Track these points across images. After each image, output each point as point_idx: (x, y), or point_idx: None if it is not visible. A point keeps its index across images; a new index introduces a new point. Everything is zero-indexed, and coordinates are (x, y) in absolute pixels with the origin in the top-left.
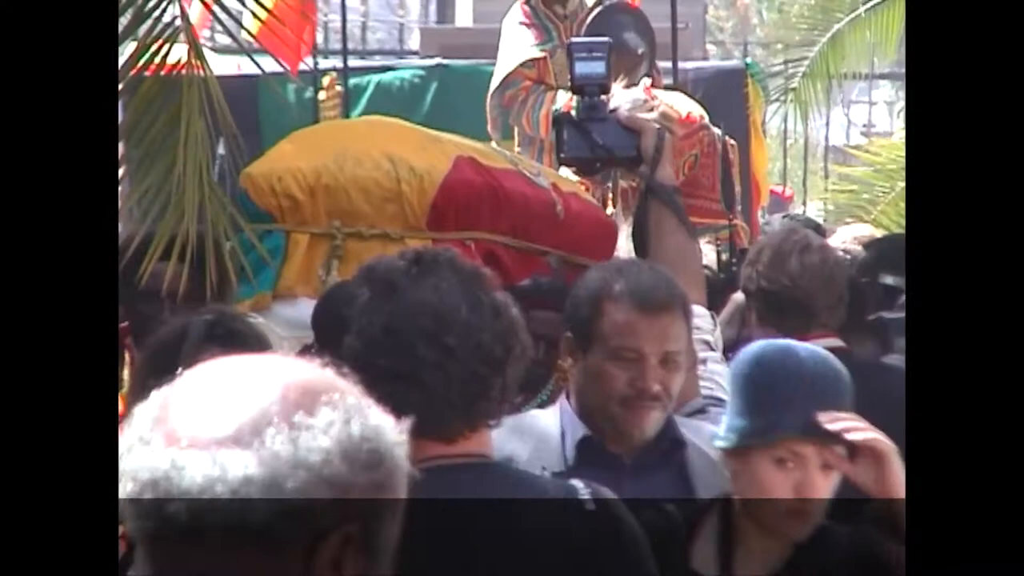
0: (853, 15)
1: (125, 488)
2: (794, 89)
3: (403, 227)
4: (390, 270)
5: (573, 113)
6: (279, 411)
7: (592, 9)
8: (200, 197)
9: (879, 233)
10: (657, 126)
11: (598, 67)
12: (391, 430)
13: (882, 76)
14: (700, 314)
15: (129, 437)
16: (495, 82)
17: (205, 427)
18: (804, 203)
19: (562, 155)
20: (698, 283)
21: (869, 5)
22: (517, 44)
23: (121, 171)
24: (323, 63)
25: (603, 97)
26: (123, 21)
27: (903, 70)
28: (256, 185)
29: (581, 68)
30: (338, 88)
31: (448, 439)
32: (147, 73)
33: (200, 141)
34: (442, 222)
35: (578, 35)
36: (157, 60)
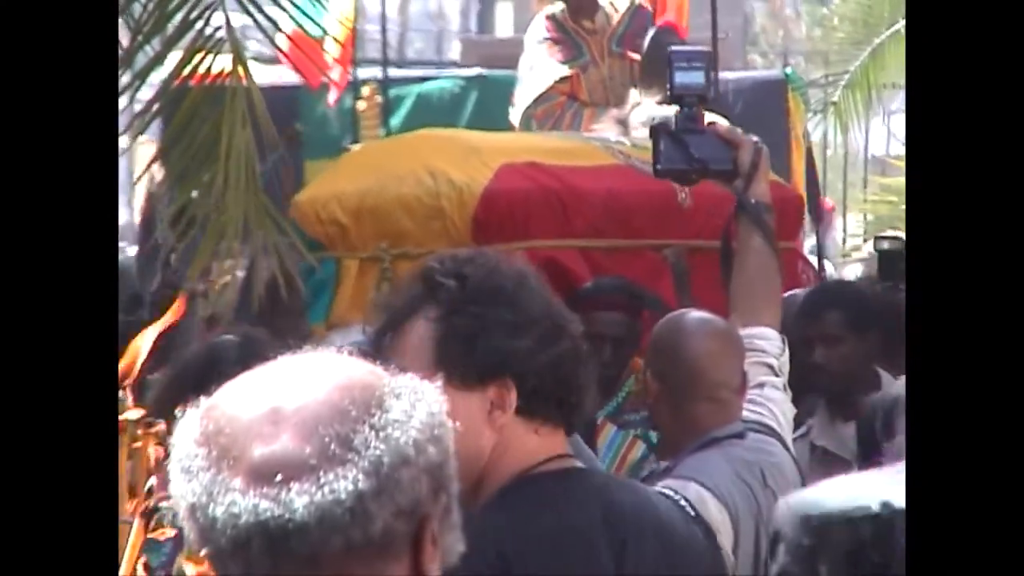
0: (893, 28)
1: (219, 538)
2: (835, 103)
3: (448, 244)
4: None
5: (671, 124)
6: (356, 416)
7: (621, 23)
8: (245, 208)
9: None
10: (755, 140)
11: (697, 77)
12: (435, 392)
13: None
14: (768, 337)
15: (201, 480)
16: (527, 98)
17: (290, 454)
18: (844, 215)
19: (658, 167)
20: (774, 306)
21: None
22: (546, 59)
23: (155, 178)
24: (361, 73)
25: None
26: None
27: None
28: (303, 213)
29: (680, 78)
30: (378, 99)
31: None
32: (191, 83)
33: (245, 152)
34: (487, 234)
35: (609, 49)
36: (202, 70)
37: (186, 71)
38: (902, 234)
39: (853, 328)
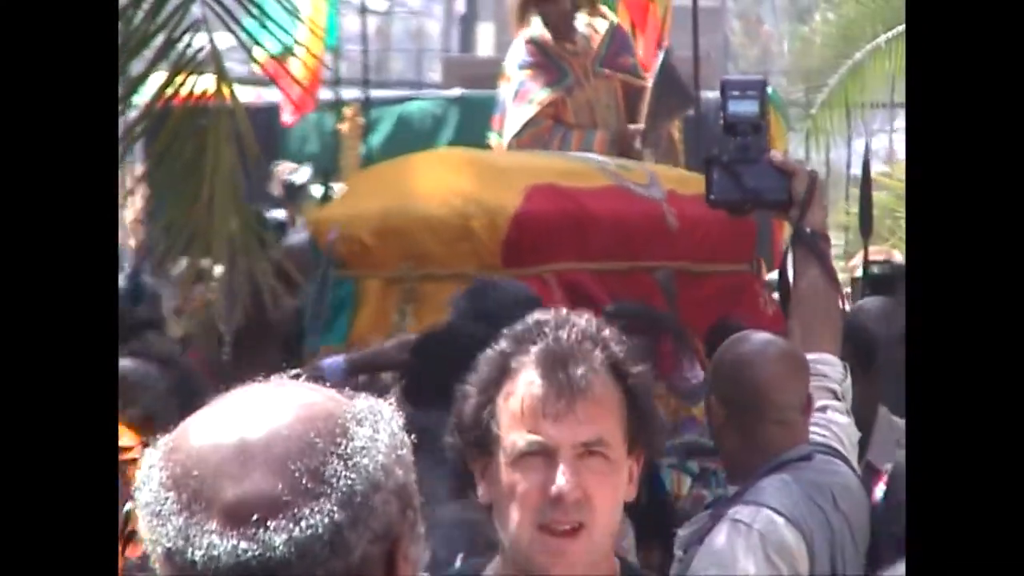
0: (873, 44)
1: None
2: (814, 117)
3: (478, 266)
4: None
5: (724, 154)
6: (323, 447)
7: (602, 44)
8: (232, 226)
9: (896, 255)
10: (810, 169)
11: (751, 106)
12: (391, 410)
13: (903, 105)
14: (830, 362)
15: (175, 524)
16: (515, 125)
17: (263, 493)
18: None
19: (712, 197)
20: (834, 332)
21: (889, 35)
22: (530, 84)
23: (139, 200)
24: (343, 94)
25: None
26: (146, 53)
27: None
28: (323, 232)
29: (734, 107)
30: (359, 119)
31: None
32: (174, 103)
33: (230, 170)
34: (518, 258)
35: (592, 71)
36: (184, 91)
37: (169, 91)
38: (893, 255)
39: (861, 367)
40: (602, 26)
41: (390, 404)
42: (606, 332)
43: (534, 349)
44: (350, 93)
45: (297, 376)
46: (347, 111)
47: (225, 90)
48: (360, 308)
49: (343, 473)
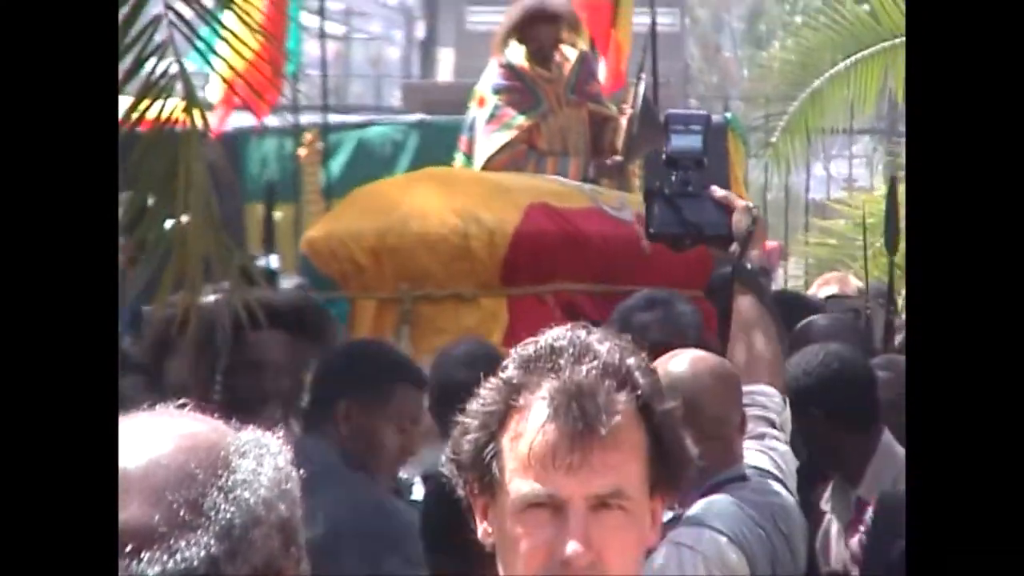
0: (833, 71)
1: None
2: (774, 144)
3: (476, 285)
4: None
5: (665, 188)
6: (203, 479)
7: (572, 71)
8: (206, 248)
9: (853, 280)
10: (751, 205)
11: (694, 141)
12: (278, 444)
13: (862, 131)
14: (768, 394)
15: None
16: (491, 148)
17: (138, 523)
18: (785, 257)
19: (651, 230)
20: (774, 365)
21: (848, 61)
22: (506, 108)
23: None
24: (302, 118)
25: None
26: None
27: (882, 125)
28: (316, 250)
29: (677, 141)
30: (318, 144)
31: None
32: (141, 128)
33: (203, 191)
34: (517, 276)
35: (565, 98)
36: (151, 115)
37: (135, 115)
38: (849, 282)
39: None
40: (571, 53)
41: (278, 438)
42: (631, 361)
43: (546, 385)
44: (309, 118)
45: (184, 405)
46: (306, 136)
47: (196, 114)
48: (353, 331)
49: (223, 506)
